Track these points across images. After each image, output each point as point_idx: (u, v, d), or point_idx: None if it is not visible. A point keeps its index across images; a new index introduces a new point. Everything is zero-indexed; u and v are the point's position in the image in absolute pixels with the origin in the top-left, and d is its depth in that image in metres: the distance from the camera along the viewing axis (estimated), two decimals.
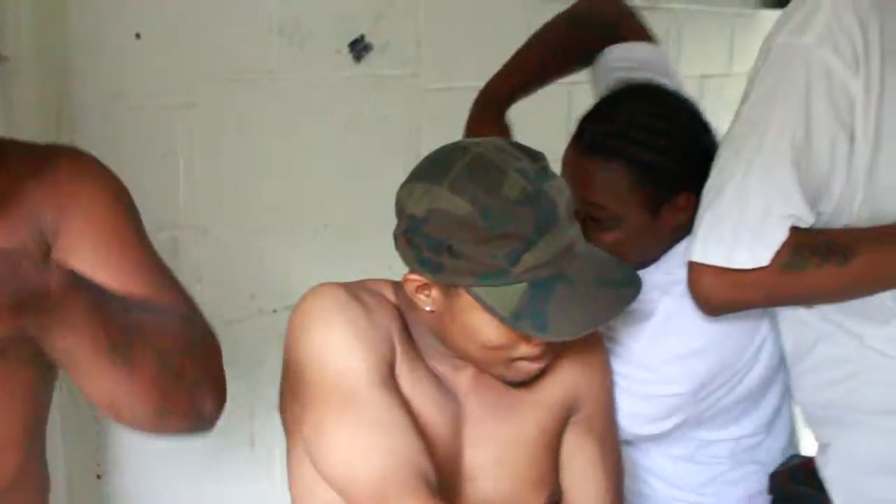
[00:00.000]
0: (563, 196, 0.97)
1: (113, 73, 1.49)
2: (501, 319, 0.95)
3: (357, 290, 1.06)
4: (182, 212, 1.61)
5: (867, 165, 1.03)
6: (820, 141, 1.02)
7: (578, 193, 1.13)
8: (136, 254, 0.86)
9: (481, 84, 1.57)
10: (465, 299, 0.98)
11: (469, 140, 1.05)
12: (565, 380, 1.15)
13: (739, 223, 1.06)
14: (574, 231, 0.98)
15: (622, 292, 0.99)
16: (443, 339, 1.05)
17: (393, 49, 1.94)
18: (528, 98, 1.55)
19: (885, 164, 1.03)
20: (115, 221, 0.86)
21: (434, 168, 0.98)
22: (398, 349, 1.05)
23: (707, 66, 1.43)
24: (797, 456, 1.41)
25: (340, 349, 1.00)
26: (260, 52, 1.71)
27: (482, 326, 0.98)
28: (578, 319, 0.95)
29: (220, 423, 1.67)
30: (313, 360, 1.01)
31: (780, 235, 1.04)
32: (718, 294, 1.11)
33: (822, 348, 1.18)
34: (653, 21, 2.43)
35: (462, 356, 1.05)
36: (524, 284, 0.94)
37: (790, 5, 1.08)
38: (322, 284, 1.07)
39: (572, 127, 1.30)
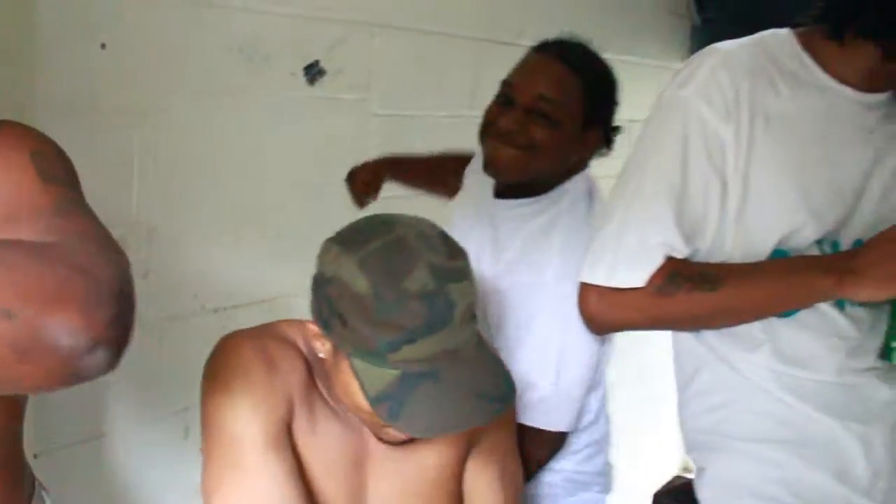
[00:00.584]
0: (464, 300, 0.98)
1: (78, 81, 1.52)
2: (365, 395, 0.97)
3: (264, 340, 1.09)
4: (134, 211, 1.65)
5: (737, 208, 1.12)
6: (695, 183, 1.11)
7: (538, 89, 1.41)
8: (24, 187, 0.79)
9: (427, 113, 1.68)
10: (346, 363, 1.00)
11: (402, 217, 1.05)
12: None
13: (620, 249, 1.14)
14: (465, 336, 0.99)
15: (489, 406, 0.99)
16: (329, 387, 1.09)
17: (346, 75, 2.03)
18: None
19: (753, 209, 1.13)
20: (10, 157, 0.82)
21: (354, 237, 1.01)
22: (298, 400, 1.08)
23: (634, 112, 1.55)
24: (680, 477, 1.49)
25: (234, 415, 1.03)
26: (220, 68, 1.76)
27: (355, 392, 1.00)
28: (429, 421, 0.96)
29: (157, 414, 1.74)
30: (211, 420, 1.05)
31: (655, 261, 1.12)
32: (601, 312, 1.18)
33: (703, 376, 1.25)
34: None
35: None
36: (397, 372, 0.96)
37: (683, 64, 1.19)
38: (231, 336, 1.10)
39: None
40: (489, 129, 1.49)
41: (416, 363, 0.96)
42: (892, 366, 1.09)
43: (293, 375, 1.08)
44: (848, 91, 1.15)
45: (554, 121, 1.44)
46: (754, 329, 1.17)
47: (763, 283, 1.09)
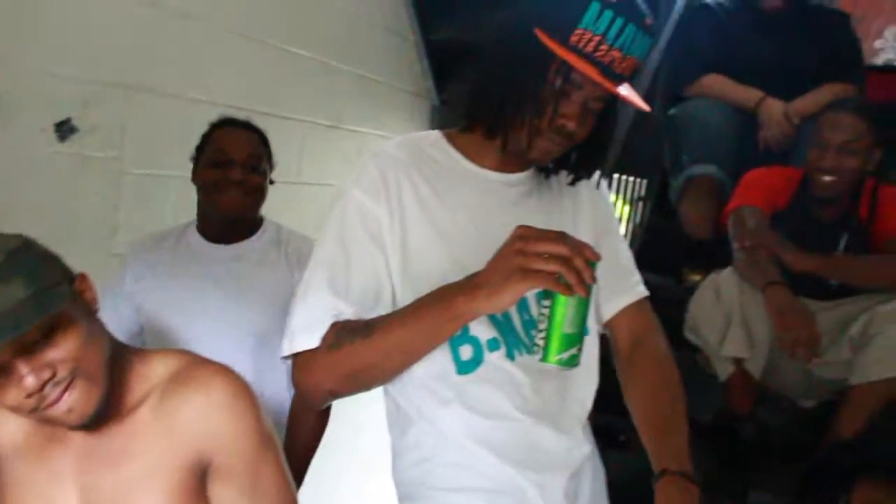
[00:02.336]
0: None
1: None
2: None
3: None
4: None
5: (400, 271, 1.27)
6: (358, 256, 1.25)
7: (247, 150, 2.01)
8: None
9: (180, 173, 1.76)
10: None
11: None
12: (183, 437, 1.21)
13: (297, 320, 1.25)
14: None
15: None
16: None
17: (99, 133, 2.06)
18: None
19: (414, 271, 1.27)
20: None
21: None
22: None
23: None
24: None
25: None
26: None
27: None
28: None
29: None
30: None
31: (325, 323, 1.23)
32: (299, 381, 1.26)
33: (411, 432, 1.34)
34: (338, 138, 2.87)
35: None
36: None
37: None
38: None
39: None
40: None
41: None
42: (556, 367, 1.16)
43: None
44: (489, 174, 1.34)
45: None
46: (443, 388, 1.29)
47: (410, 316, 1.18)
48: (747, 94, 2.98)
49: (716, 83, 3.04)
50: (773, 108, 2.93)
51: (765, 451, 2.32)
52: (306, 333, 1.23)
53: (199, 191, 1.93)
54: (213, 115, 2.01)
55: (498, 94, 1.24)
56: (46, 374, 1.10)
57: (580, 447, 1.36)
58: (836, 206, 2.45)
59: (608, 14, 1.15)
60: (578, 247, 1.08)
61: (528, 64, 1.20)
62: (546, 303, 1.13)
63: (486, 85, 1.27)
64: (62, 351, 1.11)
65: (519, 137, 1.25)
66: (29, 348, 1.08)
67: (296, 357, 1.25)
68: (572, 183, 1.36)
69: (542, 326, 1.13)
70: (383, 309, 1.24)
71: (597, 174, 1.40)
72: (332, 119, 3.06)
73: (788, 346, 2.17)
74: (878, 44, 3.44)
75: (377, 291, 1.25)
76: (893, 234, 2.40)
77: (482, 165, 1.34)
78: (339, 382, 1.23)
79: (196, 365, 1.25)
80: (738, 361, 2.32)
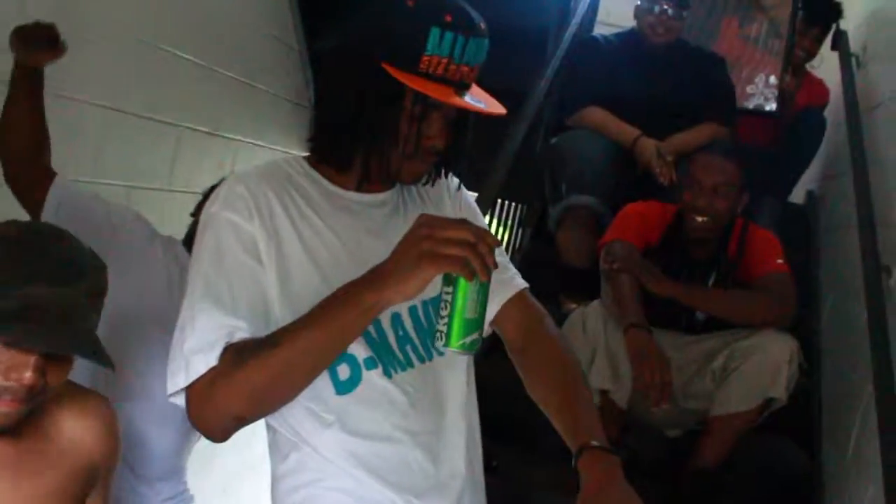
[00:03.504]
0: None
1: None
2: None
3: None
4: None
5: (279, 292, 1.25)
6: (239, 275, 1.23)
7: None
8: None
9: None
10: None
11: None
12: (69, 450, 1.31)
13: (191, 345, 1.20)
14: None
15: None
16: None
17: None
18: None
19: (294, 285, 1.26)
20: None
21: None
22: None
23: None
24: None
25: None
26: None
27: None
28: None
29: None
30: None
31: (221, 342, 1.19)
32: (198, 411, 1.20)
33: (292, 457, 1.32)
34: (214, 145, 2.81)
35: None
36: None
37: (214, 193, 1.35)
38: None
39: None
40: None
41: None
42: (455, 353, 1.19)
43: None
44: (354, 196, 1.35)
45: None
46: (324, 409, 1.29)
47: (317, 319, 1.17)
48: (624, 130, 3.06)
49: (596, 116, 3.11)
50: (647, 147, 3.01)
51: (633, 476, 2.38)
52: (203, 355, 1.18)
53: None
54: (87, 115, 1.91)
55: (352, 134, 1.27)
56: (11, 381, 1.16)
57: (460, 470, 1.37)
58: (707, 245, 2.54)
59: (449, 36, 1.19)
60: (481, 233, 1.12)
61: (383, 101, 1.24)
62: (448, 289, 1.16)
63: (338, 126, 1.29)
64: (39, 379, 1.17)
65: (384, 166, 1.28)
66: (24, 352, 1.15)
67: (191, 388, 1.19)
68: (431, 182, 1.39)
69: (444, 313, 1.16)
70: (275, 325, 1.22)
71: (454, 178, 1.44)
72: (209, 125, 3.01)
73: (642, 389, 2.26)
74: (749, 89, 3.62)
75: (266, 305, 1.24)
76: (758, 273, 2.50)
77: (346, 188, 1.35)
78: (246, 404, 1.19)
79: (75, 393, 1.35)
80: (605, 391, 2.37)
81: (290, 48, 3.54)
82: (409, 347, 1.32)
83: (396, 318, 1.33)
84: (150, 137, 2.02)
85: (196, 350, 1.18)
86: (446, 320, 1.16)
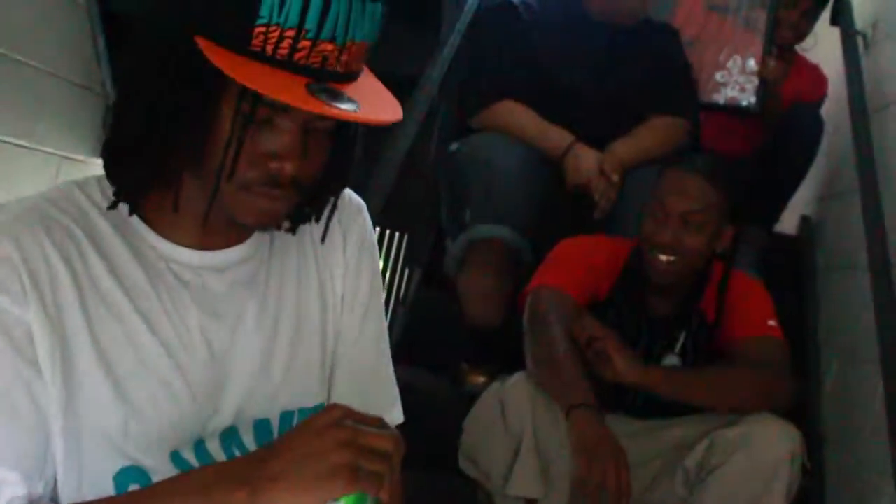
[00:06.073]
0: None
1: None
2: None
3: None
4: None
5: (62, 410, 1.11)
6: (10, 391, 1.10)
7: None
8: None
9: None
10: None
11: None
12: None
13: None
14: None
15: None
16: None
17: None
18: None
19: (81, 413, 1.12)
20: None
21: None
22: None
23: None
24: None
25: None
26: None
27: None
28: None
29: None
30: None
31: None
32: None
33: None
34: None
35: None
36: None
37: None
38: None
39: None
40: None
41: None
42: None
43: None
44: (193, 256, 1.20)
45: None
46: None
47: None
48: (552, 136, 2.90)
49: (513, 113, 2.95)
50: (584, 158, 2.84)
51: None
52: None
53: None
54: None
55: (144, 149, 1.12)
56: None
57: None
58: (672, 294, 2.43)
59: None
60: (396, 440, 1.09)
61: (192, 98, 1.09)
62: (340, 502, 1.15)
63: (127, 135, 1.12)
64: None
65: (209, 203, 1.15)
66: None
67: None
68: (292, 230, 1.30)
69: None
70: (52, 471, 1.15)
71: (354, 203, 1.41)
72: None
73: (590, 493, 2.11)
74: (720, 77, 3.39)
75: (46, 438, 1.12)
76: (741, 335, 2.38)
77: (180, 242, 1.22)
78: None
79: None
80: (530, 502, 2.25)
81: (73, 5, 3.32)
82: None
83: (232, 435, 1.25)
84: None
85: None
86: None
